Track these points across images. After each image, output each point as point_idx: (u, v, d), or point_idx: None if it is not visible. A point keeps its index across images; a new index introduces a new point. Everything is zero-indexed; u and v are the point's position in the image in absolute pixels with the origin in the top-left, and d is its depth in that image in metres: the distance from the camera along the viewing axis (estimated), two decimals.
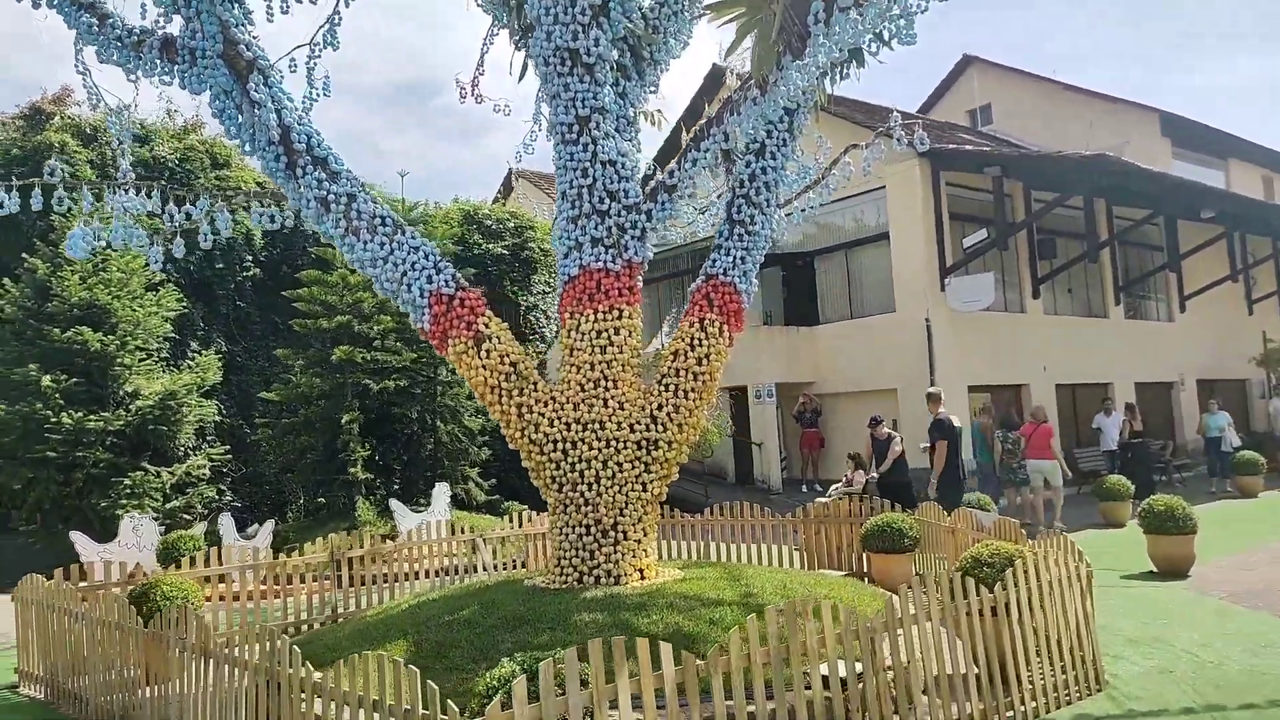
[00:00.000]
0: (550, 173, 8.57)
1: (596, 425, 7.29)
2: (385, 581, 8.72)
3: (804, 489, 17.07)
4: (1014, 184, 18.06)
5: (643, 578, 7.17)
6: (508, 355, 7.38)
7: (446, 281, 7.39)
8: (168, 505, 12.50)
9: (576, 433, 7.29)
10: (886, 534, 8.81)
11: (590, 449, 7.23)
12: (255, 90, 6.92)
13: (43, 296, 12.92)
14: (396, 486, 13.93)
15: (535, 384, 7.44)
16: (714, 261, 7.97)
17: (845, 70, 8.16)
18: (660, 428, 7.41)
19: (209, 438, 14.48)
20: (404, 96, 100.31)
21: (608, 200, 7.59)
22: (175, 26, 7.00)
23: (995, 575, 5.62)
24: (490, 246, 20.15)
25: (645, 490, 7.36)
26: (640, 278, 7.93)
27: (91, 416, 12.04)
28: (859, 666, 4.60)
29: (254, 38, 7.12)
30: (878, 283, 18.02)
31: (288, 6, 7.44)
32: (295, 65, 7.57)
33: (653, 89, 8.83)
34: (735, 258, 7.95)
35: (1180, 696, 5.50)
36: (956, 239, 17.22)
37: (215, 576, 7.98)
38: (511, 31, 8.58)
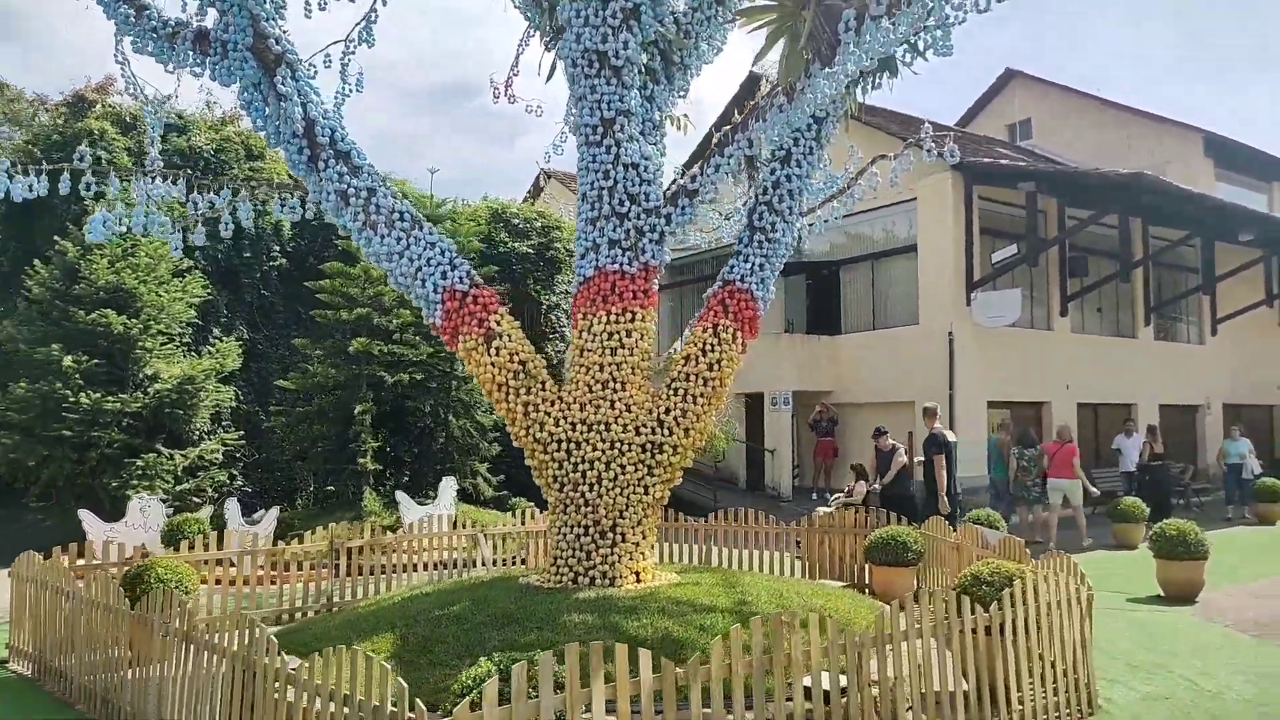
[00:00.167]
0: None
1: (602, 426, 7.30)
2: (383, 573, 8.79)
3: (814, 498, 16.97)
4: (1048, 200, 17.84)
5: (639, 580, 7.17)
6: (517, 354, 7.41)
7: (461, 278, 7.43)
8: (178, 488, 12.68)
9: (581, 433, 7.30)
10: (890, 547, 8.74)
11: (594, 450, 7.25)
12: (282, 84, 7.01)
13: (71, 278, 13.16)
14: (406, 478, 14.04)
15: (543, 383, 7.47)
16: (732, 267, 7.96)
17: (877, 80, 8.09)
18: (666, 431, 7.41)
19: (225, 423, 14.67)
20: (446, 97, 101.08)
21: (628, 203, 7.60)
22: (209, 20, 7.14)
23: (994, 594, 5.55)
24: (516, 245, 20.22)
25: (647, 493, 7.35)
26: (656, 281, 7.93)
27: (109, 398, 12.24)
28: (844, 680, 4.57)
29: (284, 32, 7.22)
30: (903, 294, 17.88)
31: (325, 3, 7.57)
32: (330, 61, 7.70)
33: (682, 94, 8.82)
34: (754, 264, 7.93)
35: None
36: (986, 253, 17.04)
37: (214, 560, 8.08)
38: (543, 33, 8.62)
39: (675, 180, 8.40)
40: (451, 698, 3.82)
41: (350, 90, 7.73)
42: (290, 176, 15.19)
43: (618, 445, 7.27)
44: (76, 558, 7.48)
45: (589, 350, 7.47)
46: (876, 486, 11.42)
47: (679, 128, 8.72)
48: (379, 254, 7.31)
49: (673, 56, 8.36)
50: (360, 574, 8.71)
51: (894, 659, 4.79)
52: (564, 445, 7.30)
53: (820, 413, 17.72)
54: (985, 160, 17.38)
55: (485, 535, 9.78)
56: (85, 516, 10.11)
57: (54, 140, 15.39)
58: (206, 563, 7.94)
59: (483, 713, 3.35)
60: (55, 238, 13.41)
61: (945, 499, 10.77)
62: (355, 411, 12.94)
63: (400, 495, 11.83)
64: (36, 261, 13.50)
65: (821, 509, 10.83)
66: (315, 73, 7.58)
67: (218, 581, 8.00)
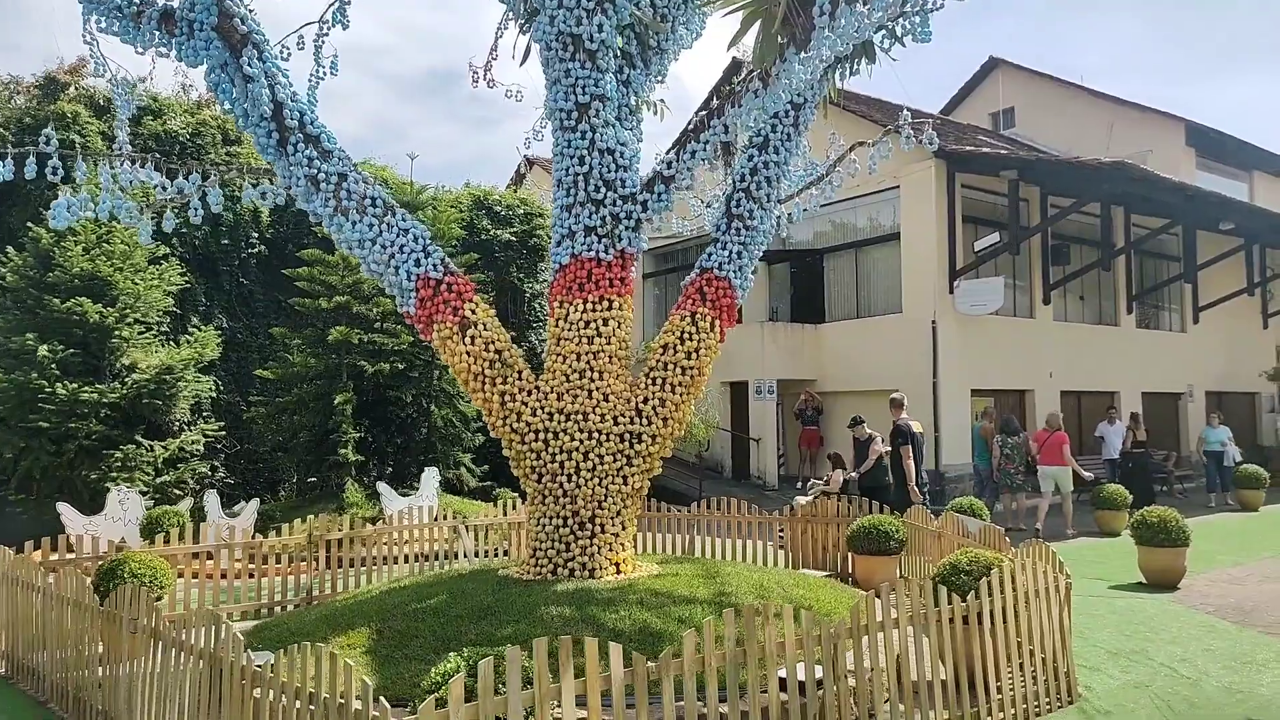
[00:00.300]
0: None
1: (580, 416, 7.23)
2: (363, 565, 8.69)
3: (799, 486, 16.95)
4: (1030, 188, 17.83)
5: (618, 572, 7.12)
6: (493, 342, 7.32)
7: (435, 266, 7.33)
8: (159, 479, 12.51)
9: (559, 423, 7.23)
10: (872, 536, 8.71)
11: (572, 440, 7.18)
12: (249, 65, 6.86)
13: (45, 266, 12.93)
14: (389, 469, 13.93)
15: (520, 373, 7.38)
16: (710, 255, 7.88)
17: (855, 66, 8.04)
18: (644, 421, 7.35)
19: (205, 413, 14.50)
20: (438, 82, 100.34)
21: (603, 189, 7.52)
22: None
23: (972, 583, 5.52)
24: (498, 232, 20.05)
25: (626, 483, 7.29)
26: (633, 269, 7.85)
27: (86, 388, 12.04)
28: (819, 671, 4.51)
29: (249, 11, 7.05)
30: (886, 283, 17.85)
31: None
32: (303, 43, 7.55)
33: (660, 79, 8.73)
34: (731, 252, 7.86)
35: (1153, 712, 5.40)
36: (969, 241, 17.02)
37: (191, 554, 7.96)
38: (517, 15, 8.51)
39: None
40: (421, 694, 3.73)
41: (325, 73, 7.60)
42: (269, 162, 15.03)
43: (596, 435, 7.20)
44: (50, 551, 7.34)
45: (566, 339, 7.39)
46: (854, 475, 11.37)
47: (655, 113, 8.62)
48: (350, 240, 7.19)
49: (649, 41, 8.27)
50: (340, 567, 8.61)
51: (870, 650, 4.74)
52: (541, 435, 7.23)
53: (805, 401, 17.69)
54: (968, 148, 17.33)
55: (466, 526, 9.69)
56: (63, 509, 9.96)
57: (25, 124, 15.10)
58: (194, 556, 7.82)
59: (449, 710, 3.28)
60: (29, 224, 13.18)
61: (915, 488, 10.73)
62: (336, 402, 12.80)
63: (382, 487, 11.72)
64: (10, 249, 13.27)
65: (800, 498, 10.79)
66: (289, 55, 7.44)
67: (195, 575, 7.88)
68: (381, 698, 3.36)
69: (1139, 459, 15.43)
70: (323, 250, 13.94)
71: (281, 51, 7.37)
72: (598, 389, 7.28)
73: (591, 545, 7.09)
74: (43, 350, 12.05)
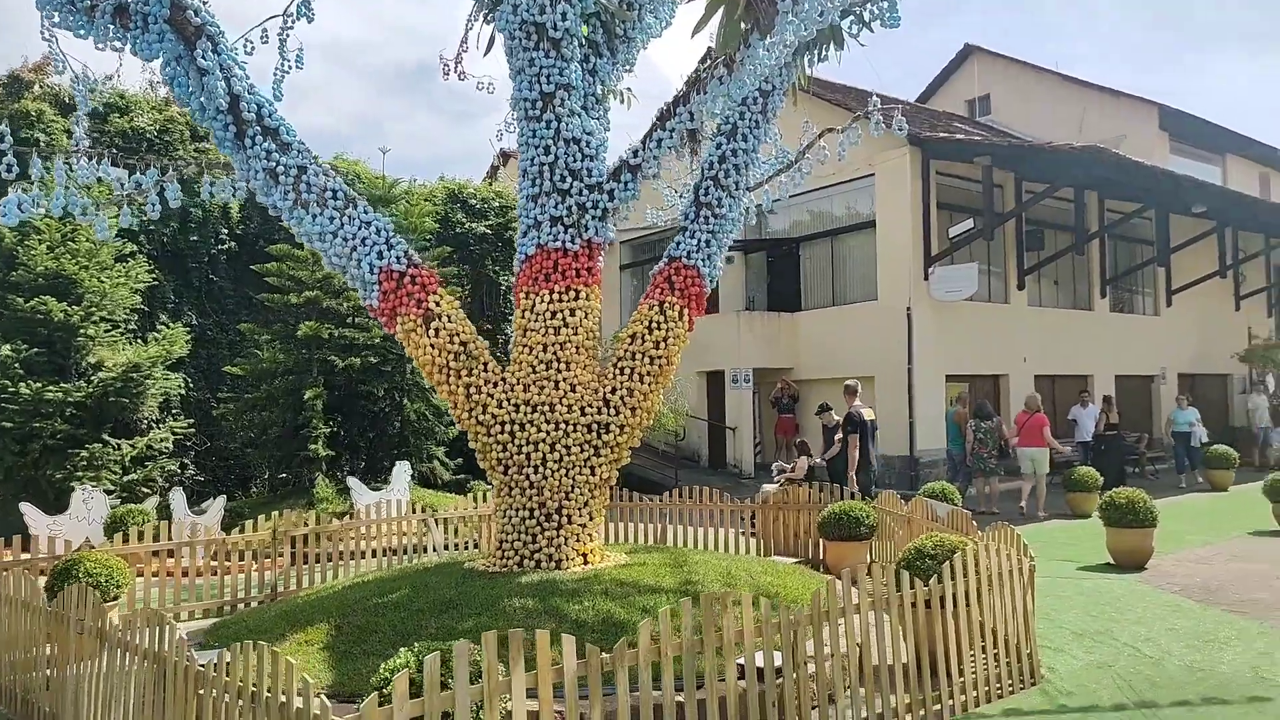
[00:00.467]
0: None
1: (546, 407, 7.18)
2: (330, 561, 8.62)
3: (773, 475, 16.99)
4: (1005, 174, 17.89)
5: (586, 562, 7.09)
6: (457, 334, 7.25)
7: (398, 258, 7.25)
8: (126, 478, 12.37)
9: (525, 414, 7.18)
10: (843, 522, 8.72)
11: (539, 431, 7.13)
12: (203, 57, 6.73)
13: (8, 265, 12.73)
14: (361, 464, 13.83)
15: (486, 364, 7.32)
16: (678, 244, 7.84)
17: (824, 52, 7.98)
18: (612, 411, 7.31)
19: (174, 411, 14.34)
20: (413, 77, 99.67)
21: (570, 179, 7.46)
22: None
23: (937, 567, 5.53)
24: (474, 225, 19.94)
25: (593, 474, 7.26)
26: (601, 259, 7.80)
27: (51, 387, 11.88)
28: (779, 659, 4.50)
29: (203, 3, 6.93)
30: (862, 270, 17.87)
31: None
32: (267, 36, 7.43)
33: (628, 67, 8.66)
34: (700, 241, 7.82)
35: (1115, 692, 5.42)
36: (944, 228, 17.06)
37: (153, 553, 7.86)
38: (480, 4, 8.41)
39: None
40: (371, 690, 3.68)
41: (290, 67, 7.45)
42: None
43: (563, 426, 7.16)
44: (5, 551, 7.23)
45: (532, 330, 7.34)
46: (819, 461, 11.36)
47: (623, 102, 8.55)
48: (311, 234, 7.10)
49: (615, 29, 8.19)
50: (306, 563, 8.54)
51: (830, 635, 4.73)
52: (507, 427, 7.18)
53: (781, 389, 17.69)
54: (941, 135, 17.35)
55: (435, 519, 9.63)
56: (26, 509, 9.84)
57: None
58: (156, 554, 7.73)
59: (392, 708, 3.23)
60: None
61: (854, 476, 10.73)
62: (306, 397, 12.68)
63: (352, 481, 11.64)
64: None
65: (767, 486, 10.81)
66: (253, 49, 7.33)
67: (155, 574, 7.78)
68: (322, 695, 3.31)
69: (1111, 441, 15.55)
70: (292, 245, 13.78)
71: (245, 46, 7.27)
72: (565, 380, 7.23)
73: (558, 536, 7.06)
74: (6, 350, 11.89)
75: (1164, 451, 18.58)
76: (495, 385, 7.25)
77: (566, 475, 7.13)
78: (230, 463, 15.44)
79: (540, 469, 7.11)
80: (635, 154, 7.61)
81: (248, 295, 15.84)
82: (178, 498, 10.46)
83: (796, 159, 9.28)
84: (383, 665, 3.70)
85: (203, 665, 3.73)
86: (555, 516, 7.10)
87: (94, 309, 12.90)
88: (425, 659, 3.34)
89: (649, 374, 7.44)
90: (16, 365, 11.83)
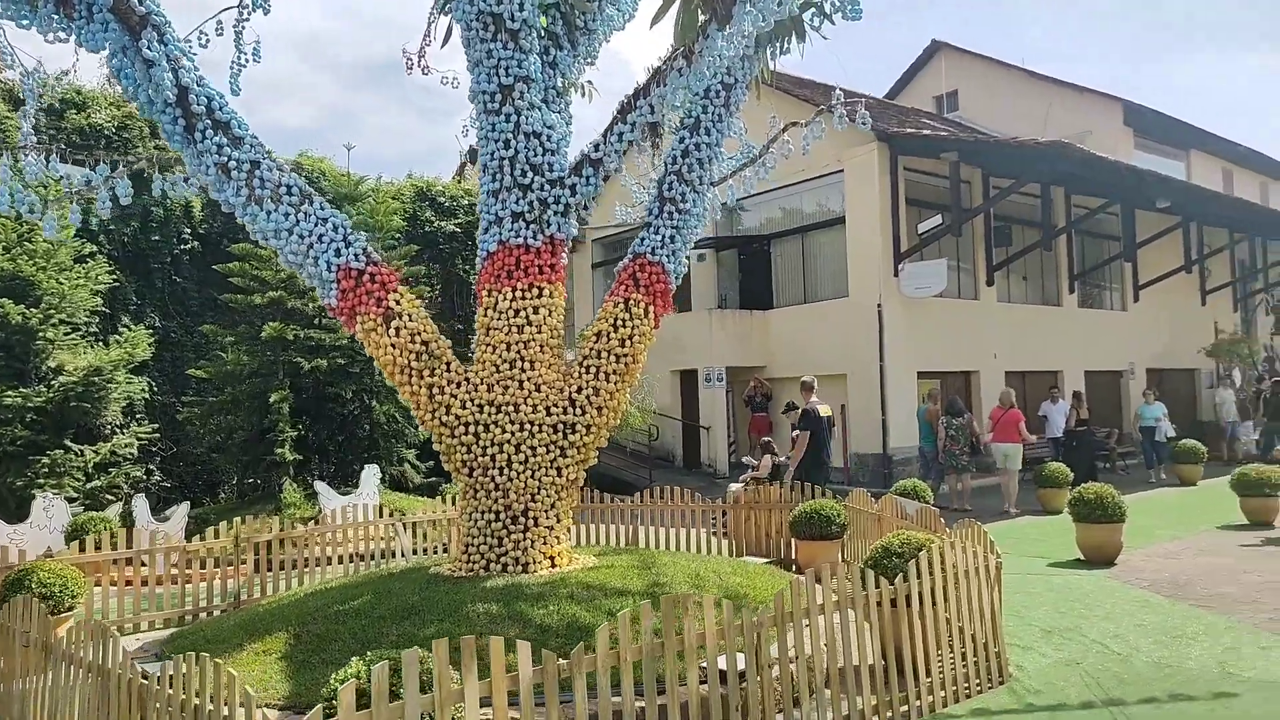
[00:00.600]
0: None
1: (511, 408, 7.06)
2: (295, 567, 8.45)
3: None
4: (972, 170, 17.96)
5: (553, 565, 6.98)
6: (419, 334, 7.12)
7: (356, 255, 7.10)
8: (89, 485, 12.09)
9: (490, 415, 7.06)
10: (814, 521, 8.67)
11: (504, 432, 7.01)
12: (148, 48, 6.54)
13: None
14: (330, 468, 13.63)
15: (449, 364, 7.19)
16: (642, 240, 7.74)
17: (786, 45, 7.92)
18: (578, 411, 7.20)
19: (138, 415, 14.05)
20: (385, 72, 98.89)
21: (530, 174, 7.35)
22: None
23: (903, 566, 5.47)
24: (442, 224, 19.76)
25: (560, 475, 7.15)
26: (565, 255, 7.69)
27: (10, 392, 11.59)
28: (742, 662, 4.42)
29: None
30: (833, 267, 17.88)
31: None
32: (222, 28, 7.25)
33: (590, 60, 8.55)
34: (664, 236, 7.73)
35: (1083, 690, 5.40)
36: (913, 224, 17.10)
37: (111, 561, 7.66)
38: None
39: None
40: (321, 701, 3.56)
41: (247, 60, 7.28)
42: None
43: (528, 426, 7.04)
44: None
45: (495, 328, 7.22)
46: (784, 459, 11.23)
47: (584, 95, 8.44)
48: (265, 231, 6.94)
49: (575, 20, 8.08)
50: (270, 570, 8.36)
51: (795, 636, 4.66)
52: (472, 428, 7.06)
53: (754, 388, 17.66)
54: (909, 131, 17.39)
55: (404, 524, 9.47)
56: None
57: None
58: (116, 562, 7.53)
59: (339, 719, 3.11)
60: None
61: (792, 470, 10.67)
62: (271, 400, 12.46)
63: (320, 486, 11.44)
64: None
65: (733, 485, 10.76)
66: (207, 42, 7.15)
67: (113, 583, 7.59)
68: (264, 709, 3.19)
69: (1082, 437, 15.66)
70: (256, 244, 13.54)
71: (199, 38, 7.10)
72: (529, 379, 7.12)
73: (525, 539, 6.94)
74: None
75: (1134, 447, 18.74)
76: (458, 385, 7.12)
77: (532, 477, 7.02)
78: (197, 468, 15.16)
79: (505, 470, 6.99)
80: (597, 148, 7.52)
81: (212, 296, 15.56)
82: (141, 504, 10.22)
83: (761, 153, 9.22)
84: (333, 676, 3.57)
85: (146, 679, 3.59)
86: (521, 519, 6.98)
87: (53, 311, 12.60)
88: (374, 668, 3.22)
89: (615, 372, 7.34)
90: None
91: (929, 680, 5.17)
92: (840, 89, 9.65)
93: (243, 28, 7.24)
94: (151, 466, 14.22)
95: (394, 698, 3.31)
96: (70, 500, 11.02)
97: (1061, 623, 6.90)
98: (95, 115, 15.98)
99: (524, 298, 7.24)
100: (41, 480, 11.58)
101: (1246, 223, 22.95)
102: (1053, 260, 20.25)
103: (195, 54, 7.05)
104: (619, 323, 7.44)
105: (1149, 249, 21.24)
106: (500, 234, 7.33)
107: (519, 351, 7.14)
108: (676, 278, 7.85)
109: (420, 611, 5.73)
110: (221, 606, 7.87)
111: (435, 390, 7.08)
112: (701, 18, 6.86)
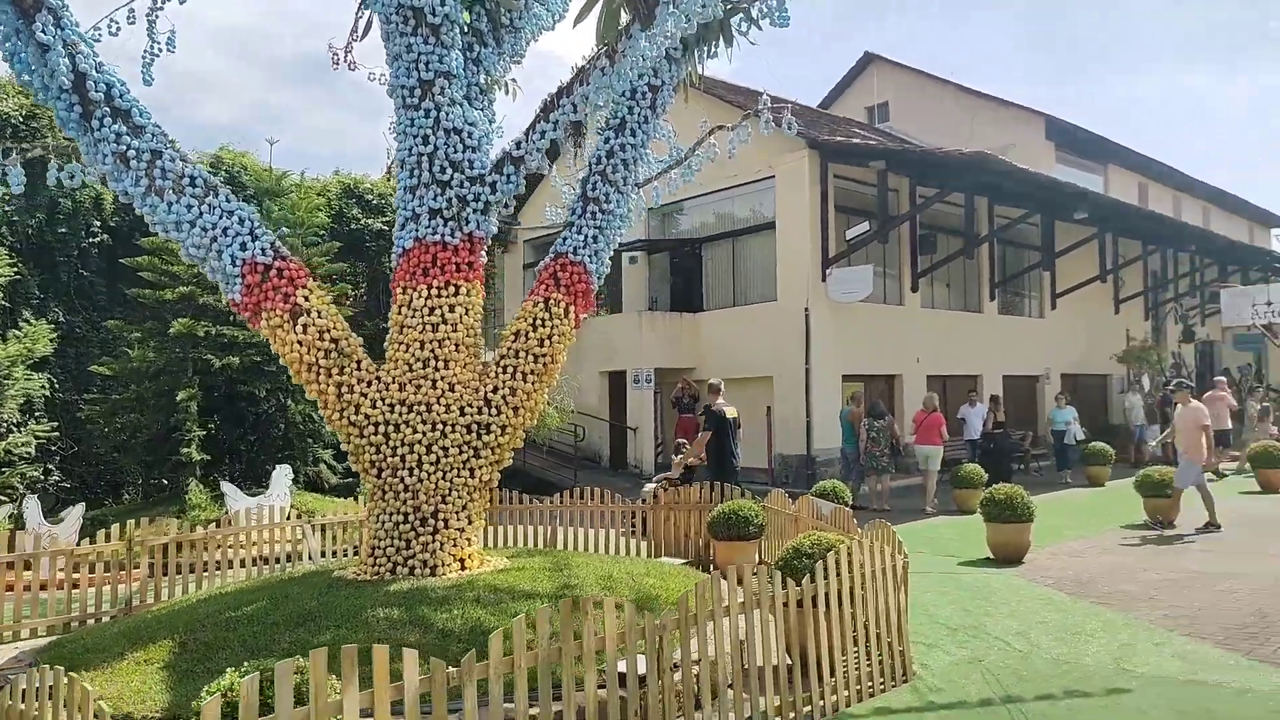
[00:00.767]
0: None
1: (423, 407, 6.91)
2: (194, 572, 8.12)
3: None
4: (899, 179, 18.28)
5: (464, 568, 6.84)
6: (328, 331, 6.91)
7: (263, 250, 6.87)
8: None
9: (401, 415, 6.89)
10: (731, 521, 8.67)
11: (415, 432, 6.85)
12: (42, 31, 6.24)
13: None
14: (240, 469, 13.20)
15: (359, 363, 7.00)
16: (564, 239, 7.66)
17: (714, 49, 7.94)
18: (494, 411, 7.08)
19: (37, 413, 13.43)
20: (317, 69, 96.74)
21: (450, 170, 7.21)
22: None
23: (813, 566, 5.49)
24: (370, 222, 19.37)
25: (473, 476, 7.01)
26: (483, 253, 7.56)
27: None
28: (646, 665, 4.36)
29: None
30: (762, 271, 18.02)
31: None
32: (134, 16, 6.95)
33: (516, 59, 8.42)
34: (587, 236, 7.66)
35: (983, 688, 5.48)
36: (841, 231, 17.33)
37: (5, 564, 7.26)
38: None
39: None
40: (192, 716, 3.39)
41: (160, 49, 7.04)
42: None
43: (440, 427, 6.90)
44: None
45: (409, 327, 7.06)
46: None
47: (507, 93, 8.33)
48: (166, 223, 6.67)
49: (500, 18, 7.96)
50: (167, 574, 8.02)
51: (699, 639, 4.62)
52: (382, 428, 6.88)
53: (682, 389, 17.63)
54: (838, 139, 17.63)
55: (313, 525, 9.20)
56: None
57: None
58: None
59: None
60: None
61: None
62: (179, 398, 12.01)
63: (226, 486, 11.06)
64: None
65: (648, 485, 10.74)
66: (117, 30, 6.86)
67: (9, 588, 7.19)
68: None
69: (998, 439, 16.05)
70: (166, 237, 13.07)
71: (110, 26, 6.81)
72: (443, 378, 6.97)
73: (434, 542, 6.78)
74: None
75: (1048, 449, 19.28)
76: (369, 384, 6.94)
77: (444, 478, 6.87)
78: (100, 468, 14.57)
79: (416, 471, 6.83)
80: (518, 145, 7.40)
81: (121, 291, 14.99)
82: (32, 506, 9.73)
83: (686, 155, 9.21)
84: (205, 688, 3.40)
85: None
86: (431, 521, 6.83)
87: None
88: (242, 681, 3.07)
89: (533, 372, 7.23)
90: None
91: (833, 680, 5.18)
92: (767, 94, 9.71)
93: (156, 16, 6.99)
94: (50, 466, 13.62)
95: (268, 710, 3.16)
96: None
97: (967, 620, 7.01)
98: (2, 104, 15.26)
99: (440, 296, 7.09)
100: None
101: (1159, 235, 23.84)
102: (975, 268, 20.74)
103: (99, 40, 6.77)
104: (538, 322, 7.34)
105: (1066, 259, 21.91)
106: (417, 230, 7.18)
107: (433, 350, 6.99)
108: (599, 278, 7.79)
109: (317, 618, 5.54)
110: (111, 613, 7.52)
111: (344, 389, 6.89)
112: (625, 17, 6.82)
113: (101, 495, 13.74)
